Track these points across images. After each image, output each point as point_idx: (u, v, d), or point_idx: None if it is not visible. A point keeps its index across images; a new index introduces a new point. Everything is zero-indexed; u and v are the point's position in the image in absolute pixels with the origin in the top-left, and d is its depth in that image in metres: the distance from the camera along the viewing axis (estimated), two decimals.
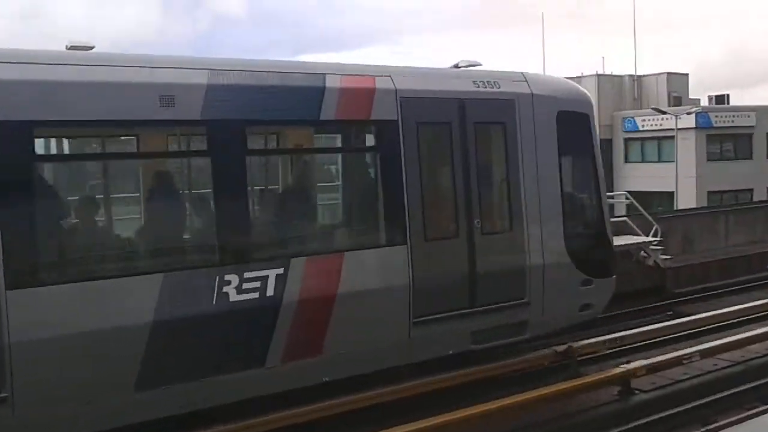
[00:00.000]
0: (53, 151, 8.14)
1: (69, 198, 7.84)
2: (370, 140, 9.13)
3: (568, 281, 9.99)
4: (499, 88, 9.64)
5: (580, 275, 10.12)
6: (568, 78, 13.57)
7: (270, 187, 9.31)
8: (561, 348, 10.23)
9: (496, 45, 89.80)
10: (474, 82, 9.53)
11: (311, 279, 8.02)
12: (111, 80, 7.08)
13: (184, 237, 8.17)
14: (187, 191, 8.30)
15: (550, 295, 9.79)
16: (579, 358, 10.32)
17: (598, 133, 10.94)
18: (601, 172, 10.69)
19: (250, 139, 8.11)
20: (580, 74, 44.98)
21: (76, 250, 7.43)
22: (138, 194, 8.39)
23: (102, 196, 8.35)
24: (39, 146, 7.40)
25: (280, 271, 7.81)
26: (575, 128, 10.29)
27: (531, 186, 9.67)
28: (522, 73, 10.07)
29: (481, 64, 10.26)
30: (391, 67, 9.17)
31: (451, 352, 9.20)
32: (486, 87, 9.53)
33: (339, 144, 9.76)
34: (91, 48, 8.07)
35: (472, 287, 9.22)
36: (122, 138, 8.60)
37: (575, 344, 10.37)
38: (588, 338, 10.88)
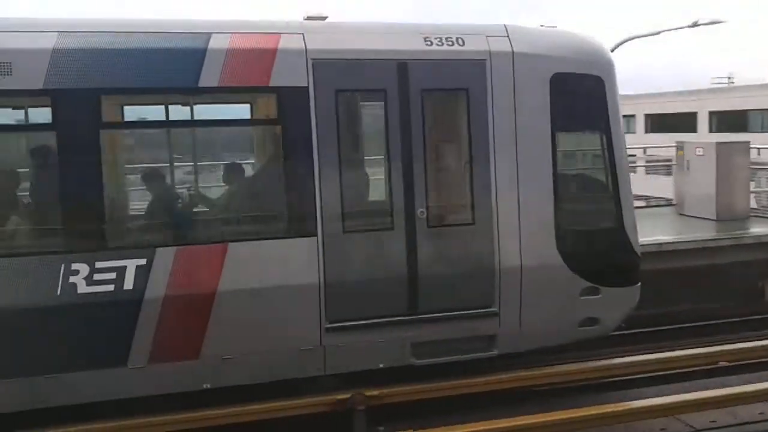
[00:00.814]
0: None
1: None
2: (269, 111, 7.55)
3: (559, 288, 8.04)
4: (462, 45, 7.73)
5: (580, 282, 8.10)
6: None
7: (131, 166, 8.18)
8: (342, 396, 7.33)
9: None
10: (426, 39, 7.67)
11: (182, 272, 6.95)
12: None
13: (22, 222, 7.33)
14: (27, 170, 7.49)
15: (530, 304, 7.94)
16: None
17: (618, 101, 8.39)
18: (621, 150, 8.31)
19: (106, 111, 7.01)
20: None
21: None
22: None
23: None
24: None
25: (142, 262, 6.87)
26: (580, 94, 8.18)
27: (506, 169, 7.80)
28: (505, 26, 8.05)
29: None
30: (307, 24, 7.72)
31: (381, 365, 7.67)
32: (443, 45, 7.68)
33: (226, 115, 8.16)
34: None
35: (411, 290, 7.60)
36: None
37: (369, 391, 7.36)
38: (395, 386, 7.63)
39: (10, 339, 6.62)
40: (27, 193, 7.46)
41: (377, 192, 7.80)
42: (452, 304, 7.72)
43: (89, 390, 6.92)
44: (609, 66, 8.31)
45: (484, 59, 7.74)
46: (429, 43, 7.68)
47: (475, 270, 7.78)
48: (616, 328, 8.66)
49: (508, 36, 7.93)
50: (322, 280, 7.32)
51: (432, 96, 7.69)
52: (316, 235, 7.29)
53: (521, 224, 7.85)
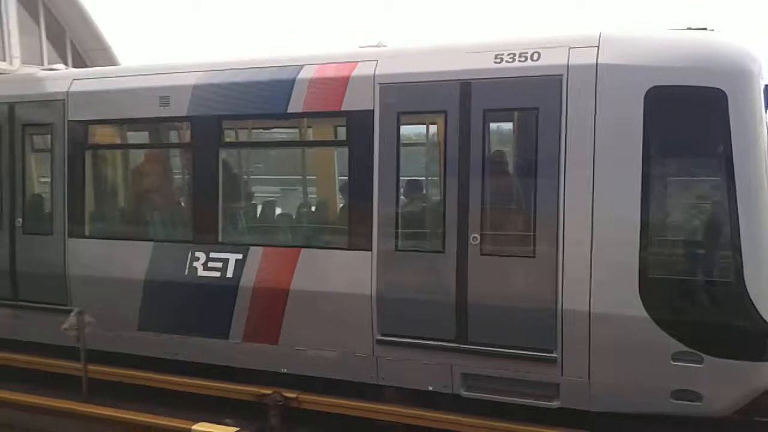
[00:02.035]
0: None
1: None
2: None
3: (641, 346, 6.74)
4: (536, 60, 7.09)
5: (671, 343, 6.67)
6: None
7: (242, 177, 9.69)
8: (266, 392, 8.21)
9: None
10: (497, 56, 7.22)
11: (266, 268, 8.21)
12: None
13: None
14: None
15: (601, 357, 6.89)
16: None
17: (754, 120, 6.52)
18: (750, 182, 6.49)
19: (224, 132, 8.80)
20: None
21: None
22: None
23: None
24: None
25: (240, 256, 8.32)
26: (689, 111, 6.76)
27: (577, 198, 6.87)
28: (600, 33, 7.03)
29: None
30: (383, 50, 8.18)
31: (431, 388, 7.55)
32: (513, 61, 7.16)
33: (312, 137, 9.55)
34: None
35: (460, 317, 7.34)
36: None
37: (288, 392, 8.11)
38: None
39: (159, 304, 8.69)
40: (175, 196, 9.73)
41: (433, 213, 7.84)
42: (505, 339, 7.20)
43: (202, 353, 8.58)
44: (737, 76, 6.57)
45: (560, 74, 6.95)
46: (499, 60, 7.24)
47: (526, 307, 7.06)
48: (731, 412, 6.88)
49: (598, 46, 6.94)
50: (374, 292, 7.57)
51: (495, 116, 7.43)
52: (371, 250, 7.54)
53: (593, 263, 6.80)
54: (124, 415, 7.95)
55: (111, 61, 21.28)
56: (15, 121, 9.70)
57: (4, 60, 19.65)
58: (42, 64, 16.07)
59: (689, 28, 7.19)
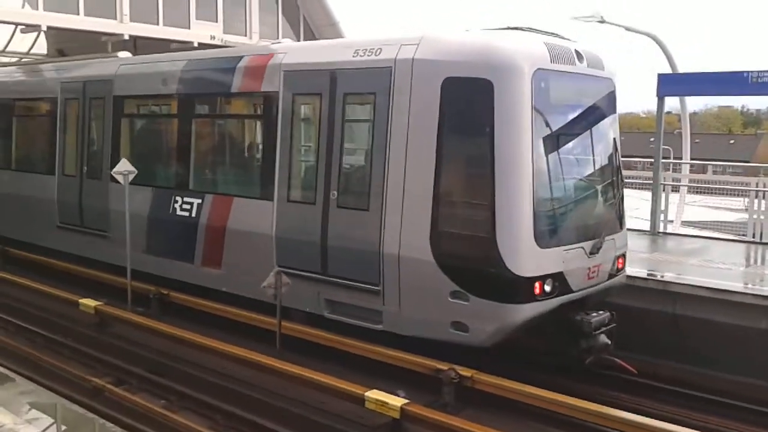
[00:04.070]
0: None
1: None
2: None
3: (429, 284, 8.47)
4: (378, 55, 9.01)
5: (448, 283, 8.31)
6: None
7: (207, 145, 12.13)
8: None
9: None
10: (355, 51, 9.28)
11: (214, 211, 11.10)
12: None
13: None
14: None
15: (406, 292, 8.71)
16: None
17: (515, 105, 8.08)
18: (507, 157, 8.04)
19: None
20: None
21: None
22: None
23: None
24: None
25: (199, 201, 11.24)
26: (469, 99, 8.32)
27: (397, 165, 8.70)
28: (423, 35, 8.81)
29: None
30: (289, 44, 11.33)
31: (308, 309, 9.68)
32: (364, 55, 9.15)
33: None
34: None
35: (323, 256, 9.50)
36: None
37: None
38: None
39: (156, 234, 11.74)
40: (163, 155, 12.46)
41: (311, 173, 9.89)
42: (349, 273, 9.20)
43: (179, 273, 11.48)
44: (503, 70, 8.12)
45: (390, 66, 8.79)
46: (356, 54, 9.24)
47: (365, 249, 8.99)
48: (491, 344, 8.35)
49: (418, 44, 8.69)
50: (274, 233, 10.05)
51: (351, 98, 9.36)
52: (273, 200, 10.03)
53: (403, 217, 8.61)
54: (310, 375, 8.49)
55: (338, 35, 22.32)
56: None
57: (245, 35, 21.36)
58: (277, 39, 17.19)
59: (508, 28, 8.96)
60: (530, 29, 8.96)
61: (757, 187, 15.05)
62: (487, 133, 8.07)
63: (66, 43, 21.48)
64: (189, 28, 20.48)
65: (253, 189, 10.52)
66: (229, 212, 10.66)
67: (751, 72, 13.29)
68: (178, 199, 11.34)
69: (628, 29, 22.03)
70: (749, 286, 10.25)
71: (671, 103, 23.60)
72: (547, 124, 8.40)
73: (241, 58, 10.77)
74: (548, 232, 8.33)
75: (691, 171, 22.06)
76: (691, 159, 22.77)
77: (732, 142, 74.35)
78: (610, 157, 9.45)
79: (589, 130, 9.10)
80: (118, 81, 12.66)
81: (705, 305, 9.81)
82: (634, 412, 7.57)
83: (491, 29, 9.00)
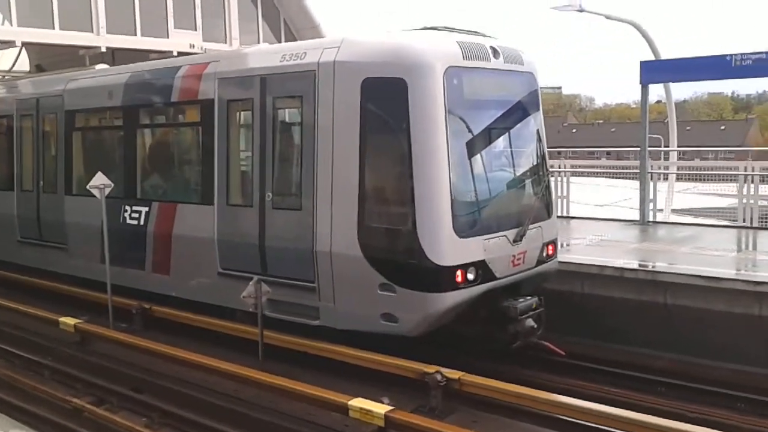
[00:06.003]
0: None
1: None
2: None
3: (360, 278, 8.67)
4: (302, 59, 9.22)
5: (377, 276, 8.52)
6: None
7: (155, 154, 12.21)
8: None
9: None
10: (282, 56, 9.49)
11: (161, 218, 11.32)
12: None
13: None
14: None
15: (340, 287, 8.93)
16: None
17: (427, 103, 8.31)
18: (424, 153, 8.27)
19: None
20: None
21: None
22: None
23: None
24: None
25: (147, 209, 11.44)
26: (386, 98, 8.54)
27: (325, 165, 8.91)
28: (343, 38, 9.04)
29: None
30: (224, 52, 11.90)
31: (251, 309, 9.44)
32: (290, 60, 9.35)
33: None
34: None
35: (261, 256, 9.69)
36: None
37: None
38: None
39: (109, 244, 11.20)
40: (114, 164, 12.22)
41: (247, 177, 10.11)
42: (287, 272, 9.36)
43: (133, 281, 11.53)
44: (415, 69, 8.35)
45: (314, 69, 9.01)
46: (282, 59, 9.44)
47: (300, 248, 9.17)
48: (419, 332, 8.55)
49: (339, 47, 8.90)
50: (216, 236, 10.27)
51: (280, 102, 9.60)
52: (213, 205, 10.25)
53: (333, 214, 8.80)
54: (292, 386, 8.31)
55: (320, 37, 21.91)
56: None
57: (225, 42, 21.07)
58: (258, 44, 16.92)
59: (425, 28, 9.16)
60: (447, 28, 9.18)
61: (746, 171, 14.86)
62: (404, 129, 8.31)
63: (45, 59, 21.26)
64: (168, 37, 20.25)
65: (195, 195, 10.78)
66: (174, 218, 10.95)
67: (735, 55, 13.16)
68: (128, 208, 11.57)
69: (608, 17, 21.87)
70: (741, 272, 10.17)
71: (660, 92, 23.44)
72: (462, 119, 8.62)
73: (179, 68, 11.07)
74: (468, 223, 8.51)
75: (683, 158, 21.92)
76: (682, 146, 22.60)
77: (723, 128, 74.51)
78: (532, 149, 9.67)
79: (506, 123, 9.30)
80: (67, 96, 12.95)
81: (694, 293, 9.80)
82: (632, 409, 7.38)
83: (409, 30, 9.19)
